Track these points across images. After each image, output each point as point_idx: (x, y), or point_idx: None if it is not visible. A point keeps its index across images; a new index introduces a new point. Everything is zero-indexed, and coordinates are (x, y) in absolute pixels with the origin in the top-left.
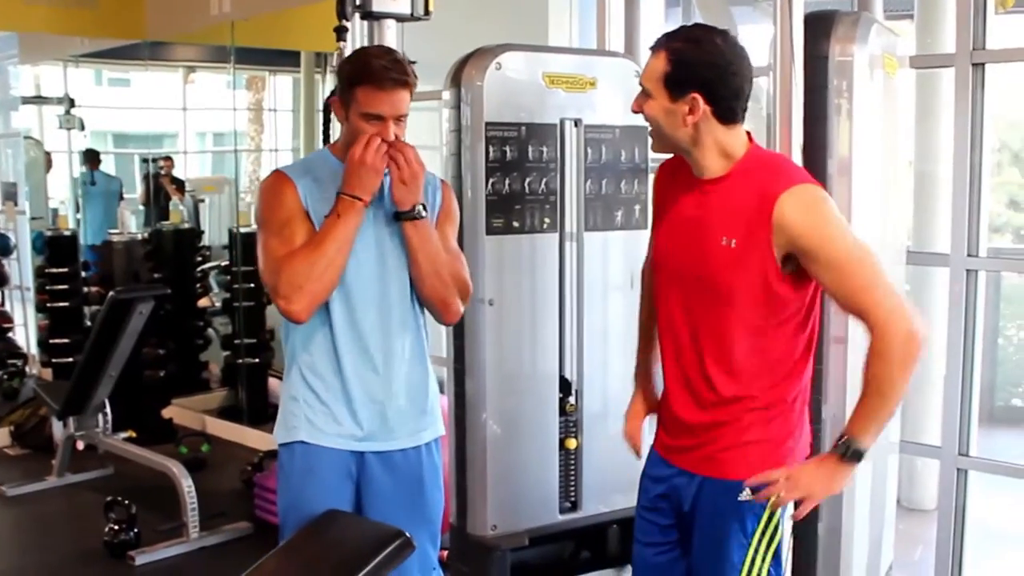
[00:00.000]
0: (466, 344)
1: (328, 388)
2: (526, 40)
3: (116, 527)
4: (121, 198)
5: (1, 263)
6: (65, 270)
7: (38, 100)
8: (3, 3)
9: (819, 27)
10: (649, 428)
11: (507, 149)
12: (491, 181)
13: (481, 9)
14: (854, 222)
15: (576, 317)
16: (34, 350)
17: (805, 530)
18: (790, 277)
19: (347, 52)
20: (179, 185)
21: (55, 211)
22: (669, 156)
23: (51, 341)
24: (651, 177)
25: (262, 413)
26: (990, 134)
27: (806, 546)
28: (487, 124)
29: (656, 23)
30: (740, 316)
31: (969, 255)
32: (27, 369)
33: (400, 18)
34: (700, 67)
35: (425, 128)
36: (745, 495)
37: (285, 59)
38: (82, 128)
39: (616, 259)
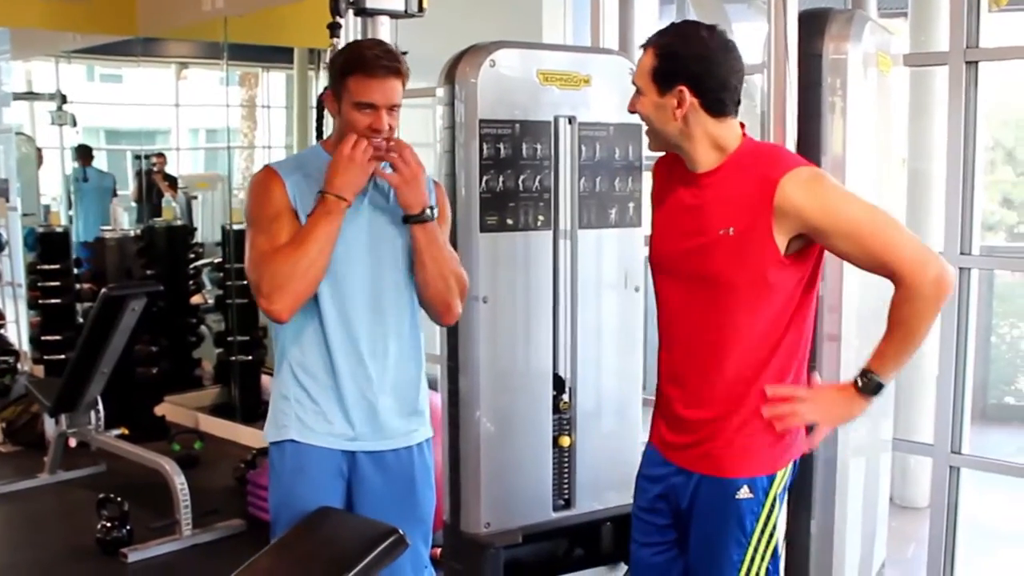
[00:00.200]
0: (460, 341)
1: (320, 386)
2: (520, 37)
3: (108, 524)
4: (114, 194)
5: None
6: (57, 267)
7: (30, 96)
8: None
9: (813, 25)
10: (643, 426)
11: (501, 146)
12: (485, 178)
13: (475, 6)
14: None
15: (570, 315)
16: (26, 347)
17: (798, 528)
18: (790, 263)
19: None
20: (172, 182)
21: (47, 207)
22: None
23: (43, 338)
24: (646, 175)
25: (255, 410)
26: (983, 132)
27: (799, 543)
28: (481, 121)
29: (650, 20)
30: (738, 308)
31: (962, 253)
32: (19, 366)
33: (394, 14)
34: (686, 60)
35: (419, 125)
36: (743, 493)
37: (278, 55)
38: (74, 124)
39: (610, 257)
